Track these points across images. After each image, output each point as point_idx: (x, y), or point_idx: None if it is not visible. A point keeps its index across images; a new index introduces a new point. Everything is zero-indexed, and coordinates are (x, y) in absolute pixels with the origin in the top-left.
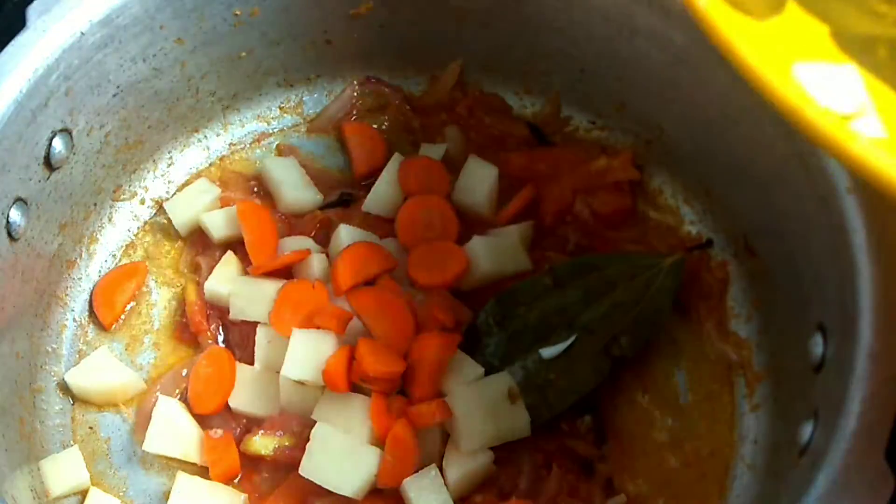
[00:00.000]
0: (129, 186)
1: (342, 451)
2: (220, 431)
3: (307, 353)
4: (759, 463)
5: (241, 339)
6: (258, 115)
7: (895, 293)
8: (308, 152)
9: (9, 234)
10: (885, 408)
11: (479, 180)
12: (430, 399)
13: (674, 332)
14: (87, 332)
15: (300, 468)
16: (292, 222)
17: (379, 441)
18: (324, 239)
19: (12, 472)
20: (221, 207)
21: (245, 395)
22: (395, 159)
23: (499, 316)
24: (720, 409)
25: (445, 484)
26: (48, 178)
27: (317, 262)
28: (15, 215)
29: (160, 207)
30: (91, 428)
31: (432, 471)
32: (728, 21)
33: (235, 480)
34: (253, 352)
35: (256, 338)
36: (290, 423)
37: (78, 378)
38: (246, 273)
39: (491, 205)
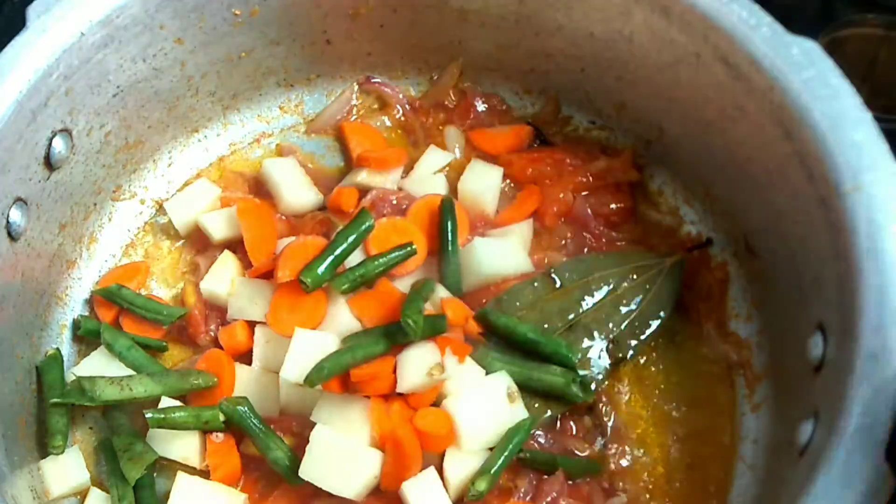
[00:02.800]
0: (129, 186)
1: (342, 454)
2: (221, 436)
3: (307, 355)
4: (759, 463)
5: None
6: (258, 115)
7: (895, 293)
8: (308, 152)
9: (9, 234)
10: (885, 408)
11: (484, 181)
12: (428, 401)
13: (674, 332)
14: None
15: (300, 470)
16: (292, 222)
17: (378, 443)
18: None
19: (12, 472)
20: (221, 207)
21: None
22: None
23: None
24: (720, 409)
25: (446, 484)
26: (48, 178)
27: None
28: (15, 215)
29: (160, 207)
30: (91, 428)
31: (431, 472)
32: None
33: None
34: (251, 352)
35: (255, 338)
36: (290, 424)
37: None
38: (245, 273)
39: (494, 205)
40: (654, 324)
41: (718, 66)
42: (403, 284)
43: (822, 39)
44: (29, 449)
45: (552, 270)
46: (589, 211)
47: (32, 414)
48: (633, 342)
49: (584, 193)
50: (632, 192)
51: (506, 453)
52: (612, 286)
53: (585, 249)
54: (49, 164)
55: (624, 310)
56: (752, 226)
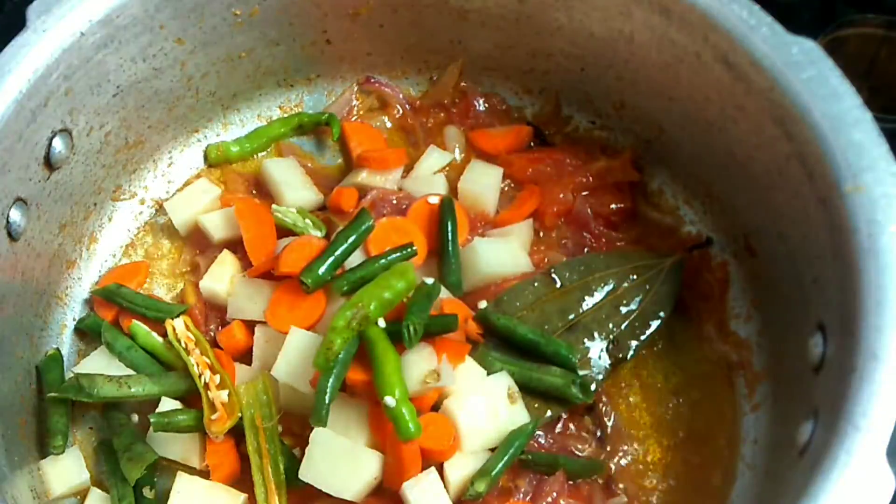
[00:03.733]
0: (129, 186)
1: (341, 455)
2: (221, 436)
3: (300, 355)
4: (759, 463)
5: None
6: (258, 115)
7: (895, 293)
8: (308, 152)
9: (9, 234)
10: (886, 408)
11: (484, 181)
12: (429, 403)
13: (674, 332)
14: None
15: (299, 472)
16: None
17: (378, 444)
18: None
19: (12, 472)
20: (221, 207)
21: None
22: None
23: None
24: (720, 409)
25: (447, 485)
26: (48, 178)
27: None
28: (15, 215)
29: (160, 207)
30: (91, 428)
31: (431, 473)
32: None
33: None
34: (251, 352)
35: (255, 338)
36: (290, 424)
37: None
38: (244, 273)
39: (494, 205)
40: (654, 324)
41: (718, 66)
42: None
43: (822, 39)
44: (29, 449)
45: (552, 270)
46: (589, 211)
47: (32, 414)
48: (633, 342)
49: (584, 193)
50: (632, 192)
51: (507, 456)
52: (612, 286)
53: (585, 249)
54: (49, 164)
55: (624, 310)
56: (752, 226)
